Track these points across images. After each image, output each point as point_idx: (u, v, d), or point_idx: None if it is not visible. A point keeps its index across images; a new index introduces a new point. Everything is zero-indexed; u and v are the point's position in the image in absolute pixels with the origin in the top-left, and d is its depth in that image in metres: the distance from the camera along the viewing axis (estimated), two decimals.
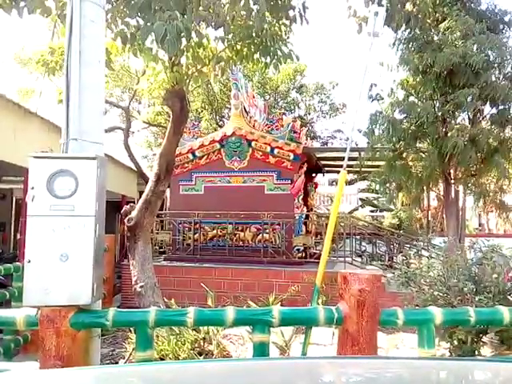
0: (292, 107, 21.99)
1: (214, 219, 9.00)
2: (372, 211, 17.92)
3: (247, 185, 9.23)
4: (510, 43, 7.72)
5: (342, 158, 9.54)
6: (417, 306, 3.83)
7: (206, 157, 9.61)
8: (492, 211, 13.26)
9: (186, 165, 9.64)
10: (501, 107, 7.70)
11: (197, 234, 9.06)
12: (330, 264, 8.07)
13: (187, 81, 5.57)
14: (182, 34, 3.48)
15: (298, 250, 8.73)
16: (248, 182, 9.26)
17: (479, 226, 22.45)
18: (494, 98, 7.32)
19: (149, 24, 3.45)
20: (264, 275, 7.78)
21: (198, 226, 9.07)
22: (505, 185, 8.29)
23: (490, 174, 8.02)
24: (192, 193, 9.55)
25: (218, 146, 9.49)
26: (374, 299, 2.29)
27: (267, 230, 8.70)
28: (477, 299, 3.54)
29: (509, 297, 3.86)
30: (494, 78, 7.44)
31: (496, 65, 7.55)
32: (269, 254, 8.39)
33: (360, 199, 20.20)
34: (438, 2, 7.91)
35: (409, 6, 8.10)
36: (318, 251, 9.24)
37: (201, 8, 4.86)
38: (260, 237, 8.82)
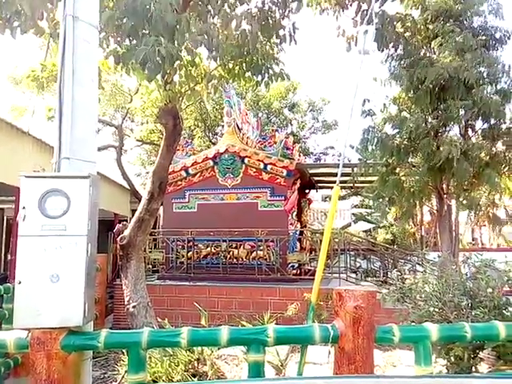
0: (285, 124, 22.19)
1: (207, 237, 8.97)
2: (365, 231, 17.86)
3: (241, 202, 9.23)
4: (502, 59, 7.85)
5: (335, 174, 9.56)
6: (412, 322, 3.81)
7: (199, 174, 9.62)
8: (485, 225, 13.34)
9: (179, 182, 9.64)
10: (492, 122, 7.80)
11: (190, 252, 9.00)
12: (325, 281, 8.02)
13: (180, 99, 5.62)
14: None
15: (292, 266, 8.70)
16: (241, 199, 9.26)
17: (473, 240, 22.51)
18: (486, 113, 7.42)
19: (136, 47, 3.51)
20: (258, 293, 7.71)
21: (191, 243, 9.02)
22: (497, 199, 8.36)
23: (482, 188, 8.09)
24: (185, 210, 9.53)
25: (211, 163, 9.52)
26: (370, 316, 2.27)
27: (261, 247, 8.67)
28: (473, 314, 3.53)
29: (504, 311, 3.85)
30: (486, 94, 7.54)
31: (488, 80, 7.66)
32: (263, 272, 8.34)
33: (353, 215, 20.20)
34: (430, 18, 8.08)
35: (398, 25, 8.33)
36: (312, 268, 9.19)
37: (194, 30, 4.94)
38: (254, 254, 8.79)
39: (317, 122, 23.12)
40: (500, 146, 8.09)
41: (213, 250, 9.06)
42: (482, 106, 7.30)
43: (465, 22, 8.10)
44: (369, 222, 17.91)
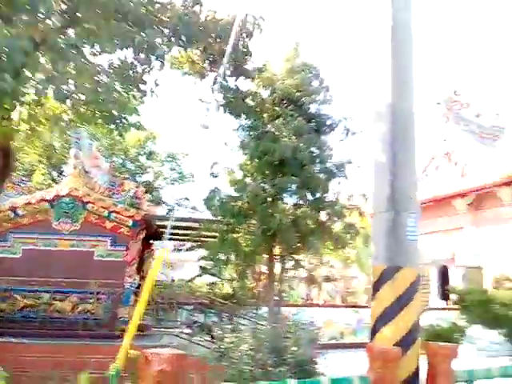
0: (141, 171, 21.85)
1: (28, 286, 7.95)
2: (210, 284, 18.06)
3: (75, 249, 8.57)
4: (330, 143, 9.31)
5: (184, 228, 9.73)
6: (226, 381, 3.97)
7: (30, 216, 8.67)
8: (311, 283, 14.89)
9: (4, 223, 8.50)
10: (318, 195, 9.06)
11: (4, 304, 7.86)
12: (156, 336, 7.85)
13: (18, 137, 5.24)
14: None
15: (124, 321, 8.20)
16: (77, 247, 8.60)
17: (306, 295, 24.49)
18: (314, 187, 8.62)
19: None
20: (79, 351, 7.02)
21: (7, 294, 7.86)
22: (317, 262, 9.55)
23: (306, 252, 9.16)
24: (6, 255, 8.38)
25: (47, 205, 8.73)
26: (174, 381, 2.32)
27: (91, 300, 8.06)
28: (277, 371, 3.87)
29: (307, 367, 4.31)
30: (315, 171, 8.78)
31: (318, 161, 8.95)
32: (89, 327, 7.69)
33: (200, 267, 20.35)
34: (276, 100, 9.17)
35: (249, 100, 9.31)
36: (146, 322, 8.89)
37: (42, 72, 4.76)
38: (81, 307, 8.12)
39: (174, 172, 23.35)
40: (324, 216, 9.39)
41: (31, 302, 8.02)
42: (311, 181, 8.49)
43: (303, 108, 9.43)
44: (213, 275, 18.22)
